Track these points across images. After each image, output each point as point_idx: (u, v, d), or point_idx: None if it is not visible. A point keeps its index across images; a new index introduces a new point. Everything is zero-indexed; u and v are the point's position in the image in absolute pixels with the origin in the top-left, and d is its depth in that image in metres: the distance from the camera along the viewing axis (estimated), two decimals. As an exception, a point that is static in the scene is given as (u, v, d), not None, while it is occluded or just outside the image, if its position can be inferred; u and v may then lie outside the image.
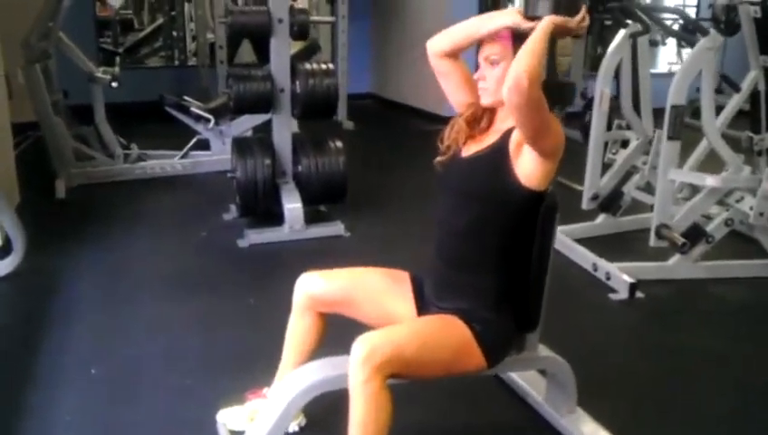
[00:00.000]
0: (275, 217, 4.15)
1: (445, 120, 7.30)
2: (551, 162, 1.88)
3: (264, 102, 4.12)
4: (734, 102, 3.79)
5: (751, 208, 3.48)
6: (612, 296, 3.45)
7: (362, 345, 1.80)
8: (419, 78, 7.57)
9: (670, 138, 3.44)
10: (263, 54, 5.53)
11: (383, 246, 4.13)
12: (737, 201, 3.58)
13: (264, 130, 4.95)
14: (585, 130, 6.19)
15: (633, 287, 3.42)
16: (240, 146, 4.19)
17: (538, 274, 2.11)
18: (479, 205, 1.98)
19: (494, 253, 2.00)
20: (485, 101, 2.01)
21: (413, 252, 3.97)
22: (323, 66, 4.20)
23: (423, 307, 2.12)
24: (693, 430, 2.47)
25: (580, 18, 1.87)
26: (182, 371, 2.69)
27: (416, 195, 5.12)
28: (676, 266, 3.60)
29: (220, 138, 5.47)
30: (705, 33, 3.43)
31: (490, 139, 2.01)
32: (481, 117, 2.09)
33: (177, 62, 8.19)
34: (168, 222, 4.42)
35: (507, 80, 1.73)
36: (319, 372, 2.03)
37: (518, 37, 1.87)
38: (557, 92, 1.92)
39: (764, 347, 3.05)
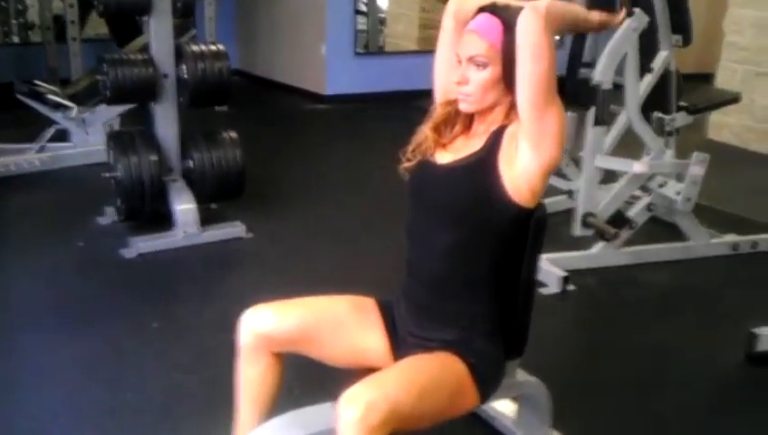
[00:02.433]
0: (162, 219, 3.66)
1: (325, 100, 6.95)
2: (545, 164, 1.60)
3: (145, 91, 3.60)
4: (647, 83, 3.71)
5: (677, 193, 3.43)
6: (543, 291, 3.28)
7: (354, 405, 1.47)
8: (295, 54, 7.17)
9: (597, 123, 3.31)
10: (120, 33, 4.93)
11: (291, 245, 3.77)
12: (660, 186, 3.52)
13: (135, 118, 4.40)
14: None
15: (565, 280, 3.28)
16: (119, 140, 3.65)
17: (527, 295, 1.88)
18: (463, 224, 1.68)
19: (483, 277, 1.73)
20: (466, 108, 1.70)
21: (324, 251, 3.71)
22: (213, 47, 3.73)
23: (398, 339, 1.80)
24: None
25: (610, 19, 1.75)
26: (96, 430, 2.22)
27: (311, 184, 4.78)
28: (600, 255, 3.50)
29: (83, 127, 4.83)
30: (629, 13, 3.30)
31: (471, 145, 1.71)
32: (454, 122, 1.79)
33: (16, 39, 7.25)
34: (34, 231, 3.81)
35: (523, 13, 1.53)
36: (294, 430, 1.69)
37: (508, 37, 1.59)
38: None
39: (700, 337, 2.99)
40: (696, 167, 3.38)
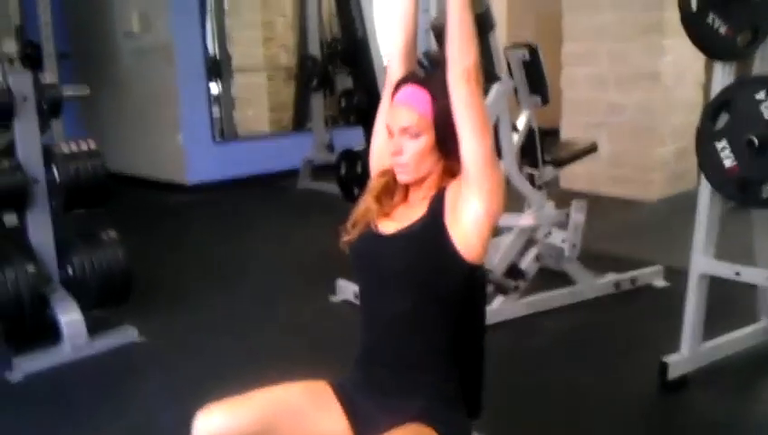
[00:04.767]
0: (45, 332, 3.39)
1: (188, 190, 6.72)
2: (494, 217, 1.67)
3: (14, 199, 3.37)
4: (517, 142, 3.94)
5: (563, 241, 3.63)
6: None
7: None
8: (150, 145, 7.00)
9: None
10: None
11: (188, 343, 3.59)
12: (546, 236, 3.71)
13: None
14: (342, 184, 6.14)
15: (475, 339, 3.35)
16: (-12, 255, 3.36)
17: (478, 353, 1.91)
18: (418, 291, 1.70)
19: (442, 341, 1.74)
20: (404, 178, 1.74)
21: (225, 344, 3.58)
22: (85, 146, 3.56)
23: (359, 419, 1.76)
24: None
25: None
26: None
27: (196, 276, 4.61)
28: (502, 308, 3.62)
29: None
30: (496, 79, 3.52)
31: (415, 212, 1.74)
32: (393, 191, 1.82)
33: None
34: None
35: (454, 71, 1.59)
36: None
37: (437, 105, 1.67)
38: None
39: (612, 373, 3.15)
40: (577, 214, 3.62)
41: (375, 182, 1.83)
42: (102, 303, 3.62)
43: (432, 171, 1.73)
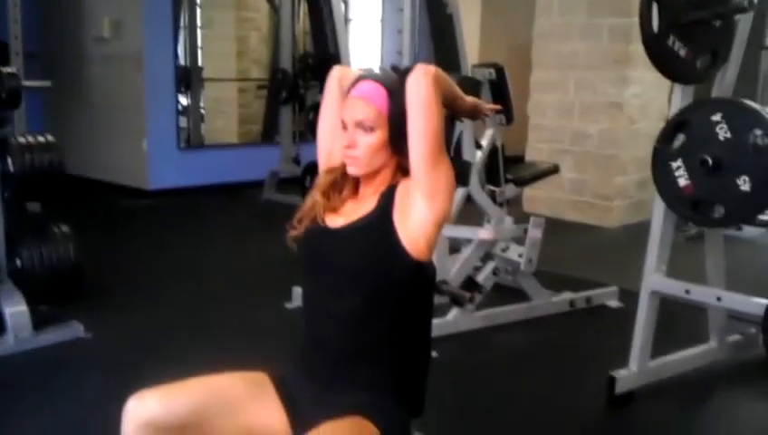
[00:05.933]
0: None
1: (149, 195, 6.65)
2: (439, 216, 1.65)
3: (-36, 186, 3.30)
4: (479, 159, 3.97)
5: (519, 256, 3.64)
6: (407, 362, 3.32)
7: None
8: (113, 149, 6.92)
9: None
10: None
11: (135, 342, 3.51)
12: (503, 250, 3.72)
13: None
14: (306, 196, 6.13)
15: (428, 349, 3.33)
16: (-67, 242, 3.28)
17: (424, 351, 1.89)
18: (364, 285, 1.67)
19: (386, 337, 1.71)
20: (355, 171, 1.72)
21: (173, 344, 3.53)
22: (42, 139, 3.50)
23: (297, 412, 1.72)
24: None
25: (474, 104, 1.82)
26: None
27: (153, 280, 4.53)
28: (456, 320, 3.61)
29: None
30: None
31: (364, 207, 1.72)
32: (342, 186, 1.80)
33: None
34: None
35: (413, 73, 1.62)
36: None
37: (393, 102, 1.67)
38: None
39: (561, 388, 3.15)
40: (535, 230, 3.64)
41: (322, 178, 1.80)
42: (50, 297, 3.55)
43: (384, 167, 1.72)
